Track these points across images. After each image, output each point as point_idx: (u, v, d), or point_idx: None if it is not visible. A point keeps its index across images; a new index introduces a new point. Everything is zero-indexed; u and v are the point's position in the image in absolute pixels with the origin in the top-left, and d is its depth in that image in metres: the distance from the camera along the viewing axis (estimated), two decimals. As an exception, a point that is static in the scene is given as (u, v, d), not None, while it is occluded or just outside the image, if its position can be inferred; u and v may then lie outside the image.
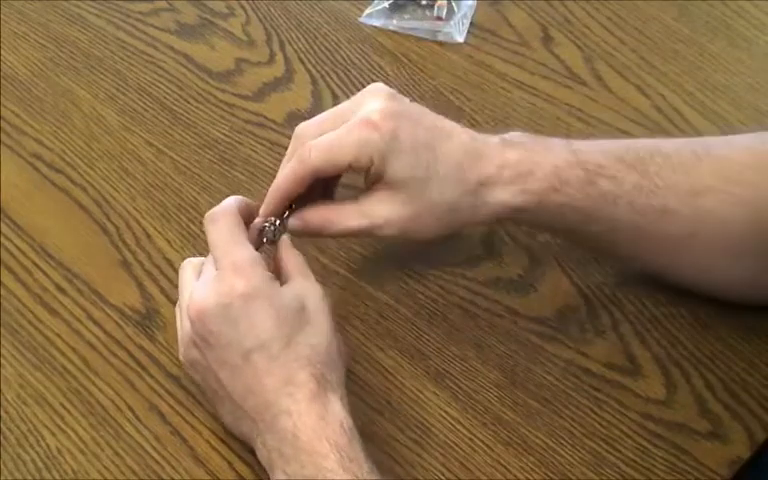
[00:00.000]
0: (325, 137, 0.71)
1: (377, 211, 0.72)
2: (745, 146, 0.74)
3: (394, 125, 0.70)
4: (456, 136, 0.73)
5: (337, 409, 0.64)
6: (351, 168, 0.71)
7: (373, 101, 0.72)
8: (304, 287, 0.68)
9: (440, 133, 0.73)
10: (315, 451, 0.63)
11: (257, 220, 0.73)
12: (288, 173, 0.72)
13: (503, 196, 0.72)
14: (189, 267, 0.72)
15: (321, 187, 0.75)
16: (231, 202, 0.71)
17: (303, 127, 0.74)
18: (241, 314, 0.65)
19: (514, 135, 0.74)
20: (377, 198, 0.72)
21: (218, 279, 0.66)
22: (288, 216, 0.74)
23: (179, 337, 0.71)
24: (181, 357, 0.71)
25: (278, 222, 0.73)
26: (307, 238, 0.75)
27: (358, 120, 0.71)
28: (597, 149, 0.74)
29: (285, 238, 0.72)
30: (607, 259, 0.81)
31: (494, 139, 0.73)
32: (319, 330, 0.67)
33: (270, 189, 0.73)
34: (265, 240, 0.73)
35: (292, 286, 0.68)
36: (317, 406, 0.64)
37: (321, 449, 0.63)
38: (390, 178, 0.71)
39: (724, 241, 0.73)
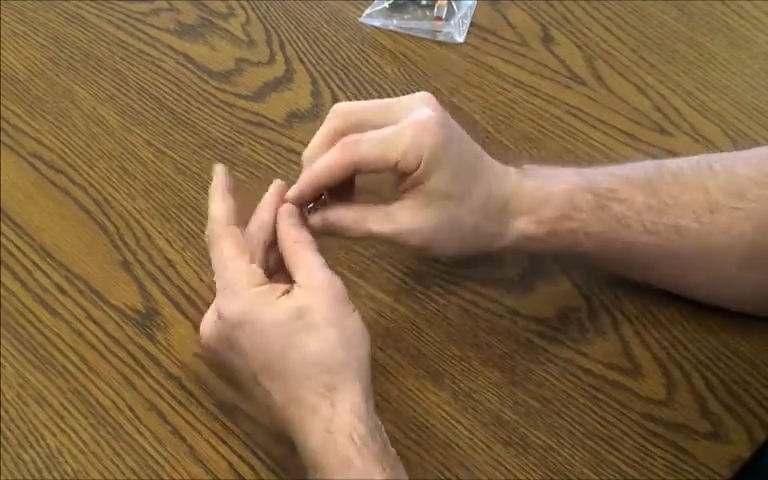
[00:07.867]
0: (377, 132, 0.70)
1: (404, 219, 0.71)
2: (749, 161, 0.75)
3: (447, 135, 0.70)
4: (488, 162, 0.74)
5: (345, 420, 0.63)
6: (396, 168, 0.69)
7: (424, 107, 0.71)
8: (306, 291, 0.65)
9: (479, 158, 0.73)
10: (321, 467, 0.63)
11: (288, 203, 0.70)
12: (330, 160, 0.69)
13: (519, 225, 0.73)
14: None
15: (338, 191, 0.73)
16: (225, 215, 0.69)
17: (344, 106, 0.72)
18: (239, 340, 0.65)
19: (529, 167, 0.75)
20: (406, 206, 0.71)
21: (216, 307, 0.66)
22: (313, 208, 0.71)
23: None
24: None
25: (309, 207, 0.71)
26: (326, 237, 0.73)
27: (413, 121, 0.70)
28: (605, 172, 0.75)
29: (293, 230, 0.69)
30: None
31: (513, 169, 0.74)
32: (319, 336, 0.64)
33: (305, 173, 0.70)
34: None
35: (294, 292, 0.66)
36: (320, 422, 0.63)
37: (326, 465, 0.63)
38: (430, 186, 0.70)
39: (736, 255, 0.74)
